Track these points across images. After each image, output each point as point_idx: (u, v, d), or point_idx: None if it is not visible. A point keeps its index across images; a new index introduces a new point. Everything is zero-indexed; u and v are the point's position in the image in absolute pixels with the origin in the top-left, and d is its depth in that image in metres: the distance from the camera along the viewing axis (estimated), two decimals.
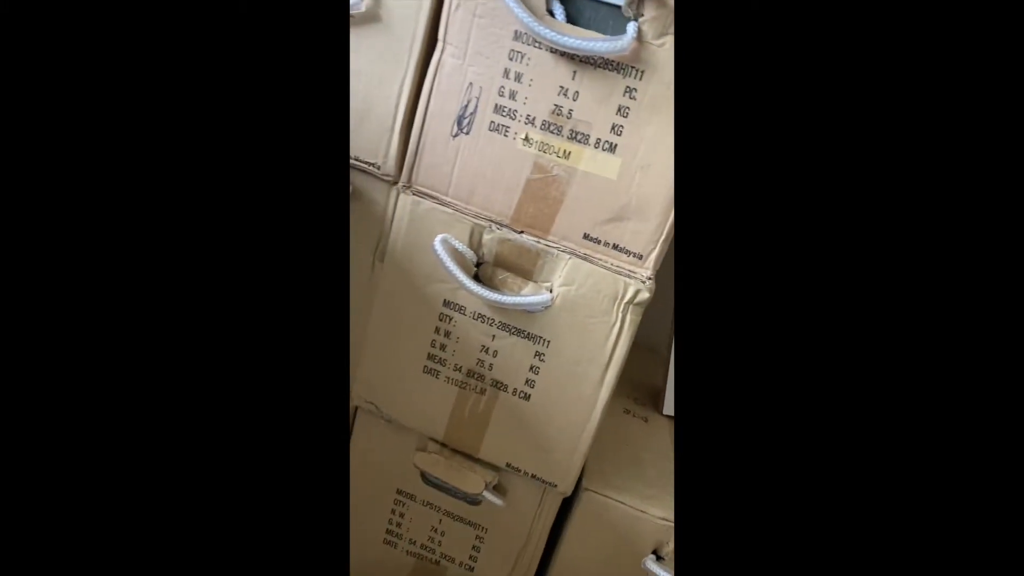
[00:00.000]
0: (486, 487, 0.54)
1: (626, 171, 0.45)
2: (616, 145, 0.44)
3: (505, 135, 0.46)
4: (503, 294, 0.48)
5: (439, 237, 0.48)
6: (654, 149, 0.44)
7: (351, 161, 0.50)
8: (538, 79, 0.43)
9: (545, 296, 0.48)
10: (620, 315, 0.47)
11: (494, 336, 0.50)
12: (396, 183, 0.50)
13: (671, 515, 0.55)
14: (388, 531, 0.63)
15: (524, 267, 0.49)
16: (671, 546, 0.56)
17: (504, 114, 0.45)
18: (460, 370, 0.52)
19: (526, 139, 0.45)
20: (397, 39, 0.46)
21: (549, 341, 0.49)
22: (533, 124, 0.45)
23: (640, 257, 0.47)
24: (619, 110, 0.43)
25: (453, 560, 0.62)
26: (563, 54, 0.42)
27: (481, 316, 0.50)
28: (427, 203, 0.49)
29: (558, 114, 0.44)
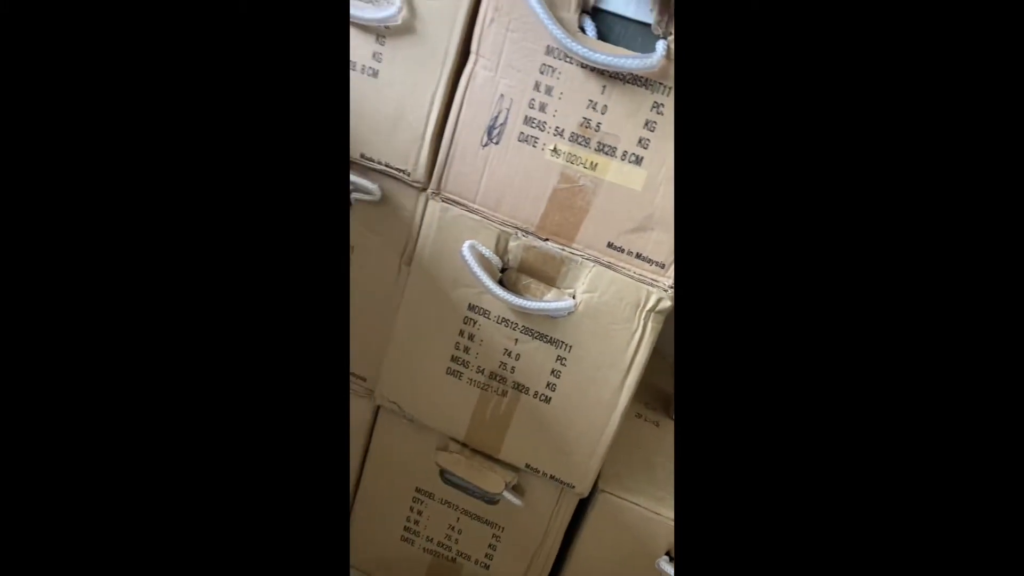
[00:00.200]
0: (506, 487, 0.55)
1: (651, 183, 0.46)
2: (642, 158, 0.45)
3: (534, 146, 0.47)
4: (527, 299, 0.50)
5: (467, 243, 0.49)
6: None
7: (381, 167, 0.51)
8: (568, 93, 0.45)
9: (568, 302, 0.49)
10: (642, 322, 0.49)
11: (517, 340, 0.52)
12: (425, 189, 0.51)
13: None
14: (406, 528, 0.64)
15: (548, 274, 0.50)
16: None
17: (534, 126, 0.47)
18: (483, 372, 0.54)
19: (554, 150, 0.47)
20: (431, 50, 0.47)
21: (571, 346, 0.51)
22: (562, 136, 0.46)
23: (663, 266, 0.48)
24: (646, 124, 0.44)
25: (469, 558, 0.63)
26: (593, 69, 0.43)
27: (505, 320, 0.52)
28: (455, 210, 0.50)
29: (586, 127, 0.45)
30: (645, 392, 0.74)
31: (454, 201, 0.50)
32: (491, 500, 0.59)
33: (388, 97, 0.49)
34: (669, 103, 0.44)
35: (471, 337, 0.53)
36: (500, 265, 0.51)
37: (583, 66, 0.44)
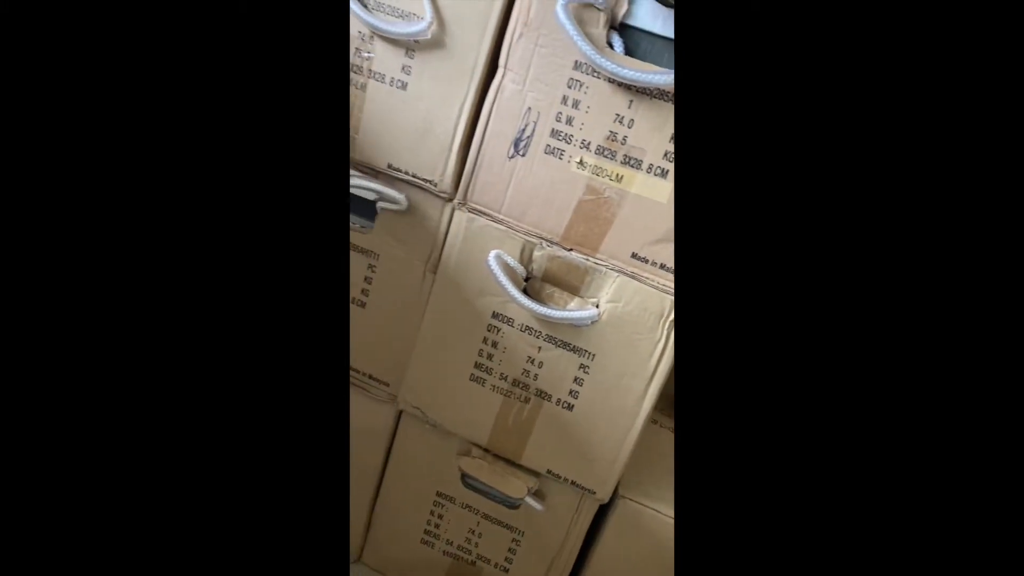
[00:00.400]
0: (528, 492, 0.56)
1: None
2: (667, 171, 0.46)
3: (560, 158, 0.48)
4: (551, 308, 0.50)
5: (493, 252, 0.50)
6: None
7: (409, 177, 0.52)
8: (595, 106, 0.46)
9: (592, 311, 0.50)
10: (665, 332, 0.49)
11: (540, 348, 0.53)
12: (451, 200, 0.52)
13: None
14: (426, 531, 0.65)
15: (572, 283, 0.51)
16: None
17: (560, 138, 0.47)
18: (506, 379, 0.55)
19: (580, 162, 0.47)
20: (459, 64, 0.48)
21: (594, 355, 0.51)
22: (588, 148, 0.47)
23: None
24: (672, 138, 0.45)
25: (489, 561, 0.64)
26: (620, 84, 0.44)
27: (528, 328, 0.52)
28: (481, 220, 0.51)
29: (613, 140, 0.46)
30: (663, 399, 0.75)
31: (480, 211, 0.51)
32: (512, 505, 0.60)
33: (416, 109, 0.50)
34: None
35: (495, 344, 0.54)
36: (524, 274, 0.52)
37: (610, 81, 0.44)
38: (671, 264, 0.49)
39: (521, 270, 0.51)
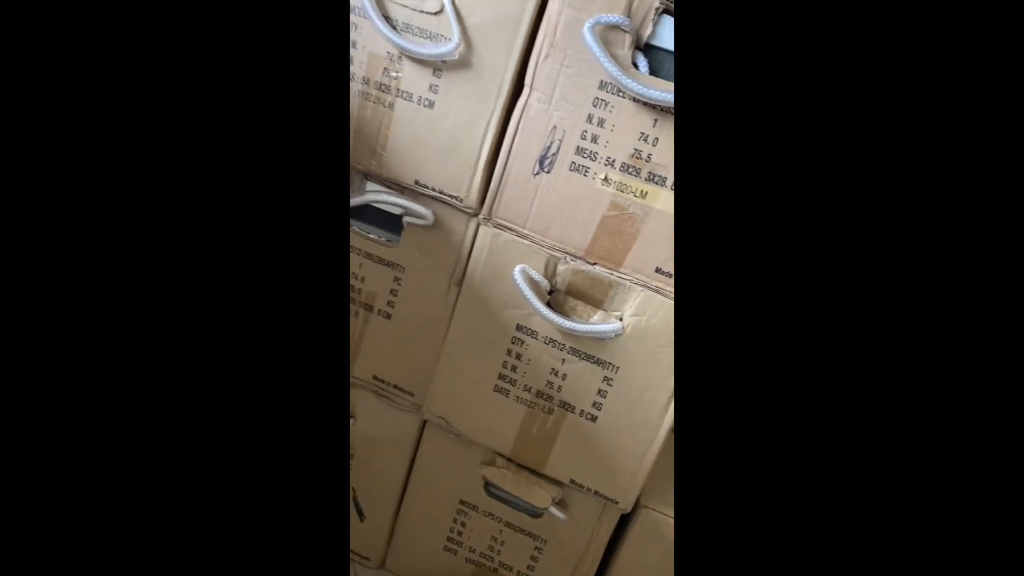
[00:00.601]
0: (552, 502, 0.57)
1: None
2: None
3: (585, 175, 0.49)
4: (575, 321, 0.51)
5: (518, 267, 0.51)
6: None
7: (435, 193, 0.53)
8: (620, 125, 0.46)
9: (616, 325, 0.51)
10: None
11: (564, 360, 0.53)
12: (477, 215, 0.53)
13: None
14: (449, 539, 0.66)
15: (596, 297, 0.52)
16: None
17: (585, 156, 0.48)
18: (530, 390, 0.56)
19: (605, 179, 0.48)
20: (486, 83, 0.49)
21: (618, 367, 0.52)
22: (612, 166, 0.48)
23: None
24: None
25: (511, 569, 0.65)
26: (645, 103, 0.45)
27: (552, 341, 0.53)
28: (506, 235, 0.52)
29: (637, 157, 0.47)
30: None
31: (505, 226, 0.52)
32: (534, 513, 0.61)
33: (443, 127, 0.51)
34: None
35: (519, 356, 0.55)
36: (548, 287, 0.53)
37: (635, 100, 0.45)
38: None
39: (545, 284, 0.52)
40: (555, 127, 0.48)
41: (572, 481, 0.57)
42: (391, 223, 0.57)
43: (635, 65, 0.45)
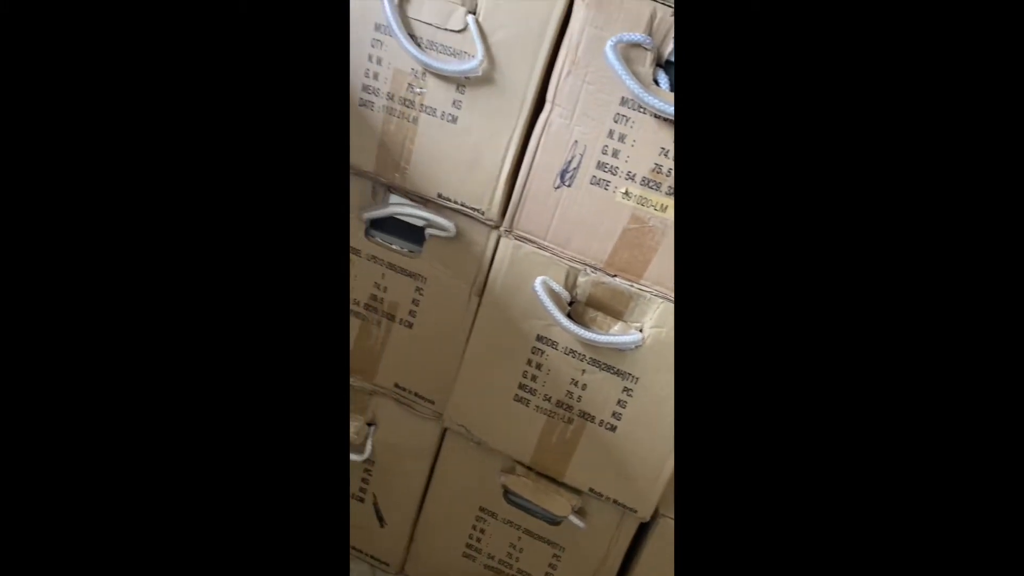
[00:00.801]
0: (572, 510, 0.58)
1: None
2: None
3: (605, 188, 0.49)
4: (596, 332, 0.52)
5: (539, 279, 0.52)
6: None
7: (457, 206, 0.54)
8: (641, 140, 0.47)
9: (636, 336, 0.51)
10: None
11: (584, 371, 0.54)
12: (498, 227, 0.54)
13: None
14: (468, 545, 0.67)
15: (616, 308, 0.53)
16: None
17: (606, 170, 0.49)
18: (549, 400, 0.56)
19: (626, 193, 0.49)
20: (508, 99, 0.50)
21: (638, 378, 0.53)
22: (633, 180, 0.48)
23: None
24: None
25: None
26: (666, 119, 0.46)
27: (572, 351, 0.54)
28: (527, 247, 0.53)
29: (658, 172, 0.48)
30: None
31: (525, 238, 0.53)
32: (553, 521, 0.62)
33: (465, 142, 0.52)
34: None
35: (539, 366, 0.56)
36: (568, 299, 0.53)
37: (656, 116, 0.46)
38: None
39: (566, 295, 0.53)
40: (576, 142, 0.49)
41: (591, 490, 0.58)
42: (413, 234, 0.58)
43: (656, 82, 0.46)
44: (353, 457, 0.65)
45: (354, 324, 0.62)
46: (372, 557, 0.72)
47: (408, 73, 0.52)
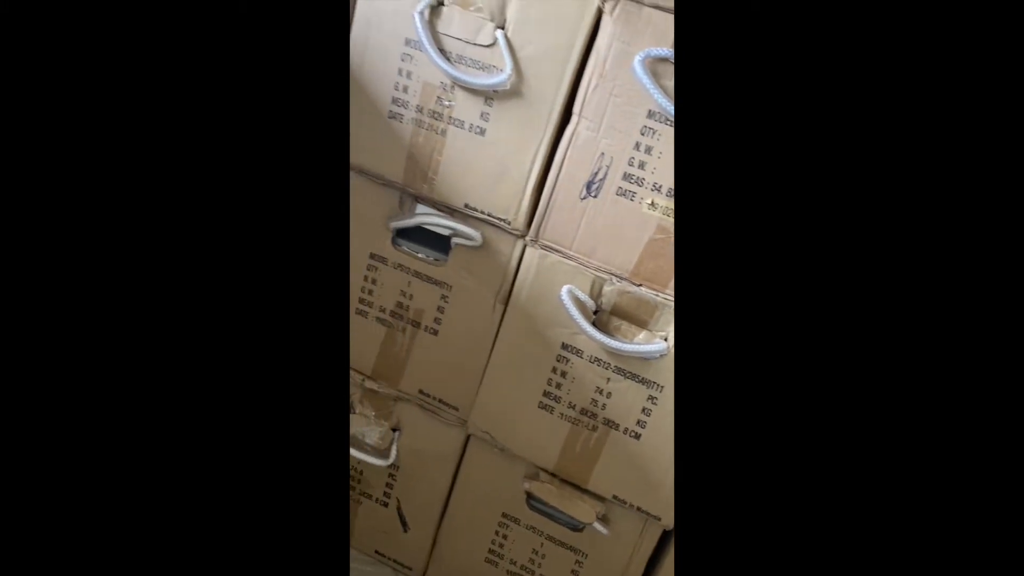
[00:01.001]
0: (597, 517, 0.58)
1: None
2: None
3: (631, 199, 0.50)
4: (621, 341, 0.53)
5: (566, 287, 0.53)
6: None
7: (484, 216, 0.55)
8: (667, 152, 0.48)
9: (661, 345, 0.52)
10: None
11: (609, 379, 0.55)
12: (523, 237, 0.55)
13: None
14: (491, 550, 0.67)
15: (641, 317, 0.53)
16: None
17: (632, 181, 0.50)
18: (574, 408, 0.57)
19: (651, 204, 0.50)
20: (535, 112, 0.51)
21: (662, 387, 0.53)
22: (659, 191, 0.49)
23: None
24: None
25: None
26: None
27: (597, 360, 0.55)
28: (553, 256, 0.54)
29: None
30: None
31: (551, 248, 0.54)
32: (576, 527, 0.62)
33: (493, 154, 0.53)
34: None
35: (563, 374, 0.56)
36: (594, 307, 0.54)
37: None
38: None
39: (591, 304, 0.54)
40: (603, 154, 0.50)
41: (615, 497, 0.59)
42: (439, 243, 0.59)
43: None
44: (378, 462, 0.66)
45: (379, 331, 0.63)
46: (395, 561, 0.73)
47: (437, 86, 0.53)
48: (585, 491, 0.60)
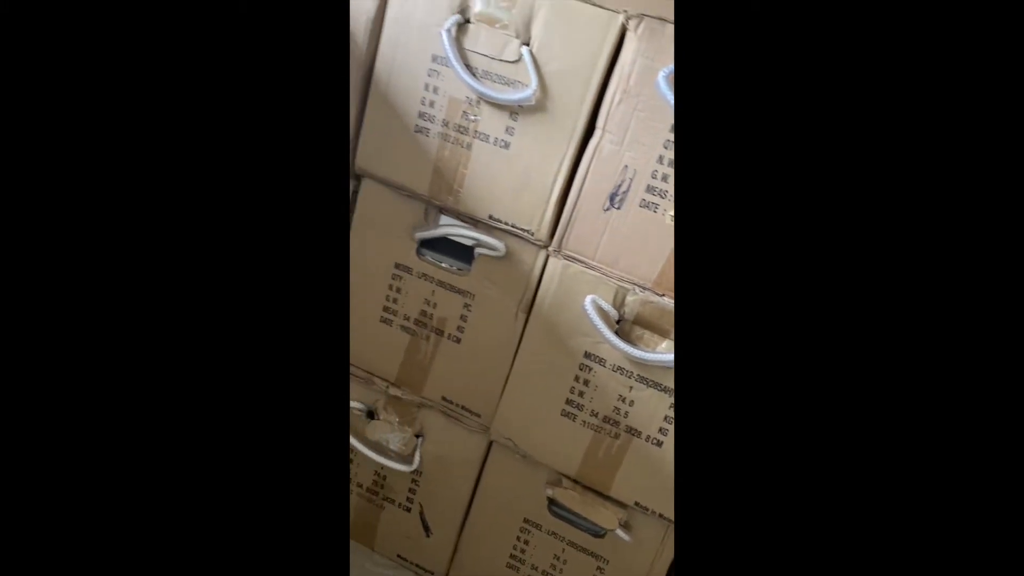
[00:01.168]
0: (619, 524, 0.59)
1: None
2: None
3: (655, 211, 0.51)
4: (644, 351, 0.53)
5: (589, 297, 0.54)
6: None
7: (507, 227, 0.56)
8: None
9: None
10: None
11: (631, 387, 0.56)
12: (546, 247, 0.56)
13: None
14: (512, 556, 0.68)
15: (663, 327, 0.54)
16: None
17: (655, 193, 0.51)
18: (596, 416, 0.58)
19: (675, 216, 0.51)
20: (560, 126, 0.52)
21: None
22: None
23: None
24: None
25: None
26: None
27: (620, 369, 0.56)
28: (576, 266, 0.54)
29: None
30: None
31: (574, 258, 0.55)
32: (597, 533, 0.63)
33: (517, 167, 0.54)
34: None
35: (586, 383, 0.57)
36: (616, 317, 0.55)
37: None
38: None
39: (614, 313, 0.55)
40: (626, 166, 0.51)
41: (637, 504, 0.59)
42: (462, 253, 0.60)
43: None
44: (401, 467, 0.67)
45: (403, 338, 0.64)
46: (417, 566, 0.74)
47: (463, 101, 0.54)
48: (607, 498, 0.60)
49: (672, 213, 0.51)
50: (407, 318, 0.63)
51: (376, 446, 0.68)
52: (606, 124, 0.50)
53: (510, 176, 0.55)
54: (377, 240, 0.62)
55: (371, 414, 0.68)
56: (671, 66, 0.46)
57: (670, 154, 0.49)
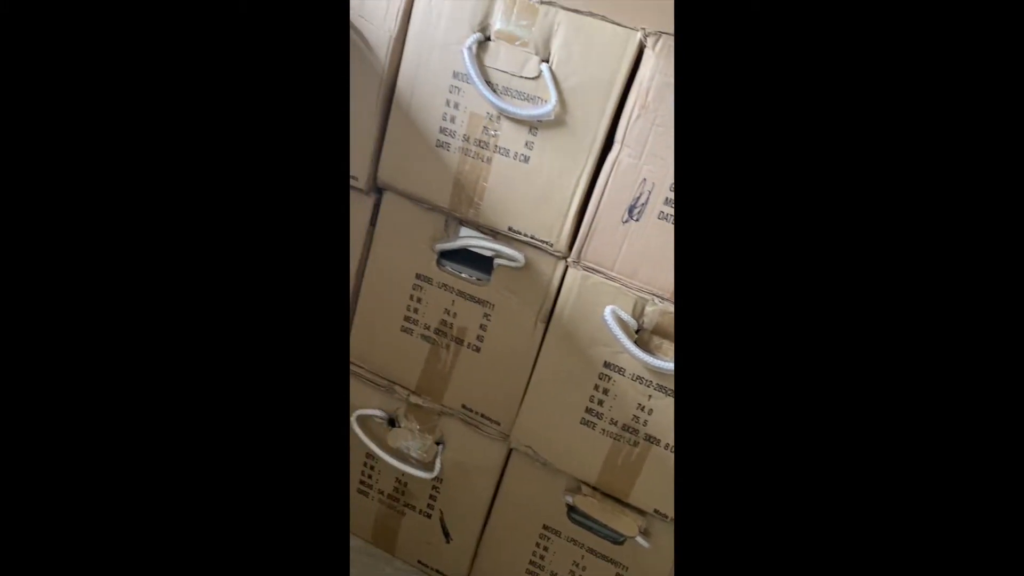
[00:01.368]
0: (639, 531, 0.59)
1: None
2: None
3: (673, 223, 0.52)
4: (664, 360, 0.54)
5: (609, 308, 0.54)
6: None
7: (527, 239, 0.57)
8: None
9: None
10: None
11: (651, 396, 0.56)
12: (565, 258, 0.57)
13: None
14: (531, 562, 0.69)
15: None
16: None
17: (674, 206, 0.51)
18: (616, 424, 0.59)
19: None
20: (579, 140, 0.53)
21: None
22: None
23: None
24: None
25: None
26: None
27: (639, 378, 0.56)
28: (595, 277, 0.55)
29: None
30: None
31: (593, 269, 0.56)
32: (616, 540, 0.63)
33: (536, 180, 0.55)
34: None
35: (605, 391, 0.58)
36: (635, 327, 0.56)
37: None
38: None
39: (633, 323, 0.55)
40: (645, 179, 0.52)
41: (656, 511, 0.60)
42: (482, 264, 0.61)
43: None
44: (422, 474, 0.68)
45: (424, 347, 0.65)
46: (438, 572, 0.75)
47: (483, 116, 0.55)
48: (626, 505, 0.61)
49: None
50: (427, 327, 0.64)
51: (397, 453, 0.69)
52: (624, 138, 0.51)
53: (530, 189, 0.56)
54: (398, 251, 0.63)
55: (392, 422, 0.69)
56: None
57: None
